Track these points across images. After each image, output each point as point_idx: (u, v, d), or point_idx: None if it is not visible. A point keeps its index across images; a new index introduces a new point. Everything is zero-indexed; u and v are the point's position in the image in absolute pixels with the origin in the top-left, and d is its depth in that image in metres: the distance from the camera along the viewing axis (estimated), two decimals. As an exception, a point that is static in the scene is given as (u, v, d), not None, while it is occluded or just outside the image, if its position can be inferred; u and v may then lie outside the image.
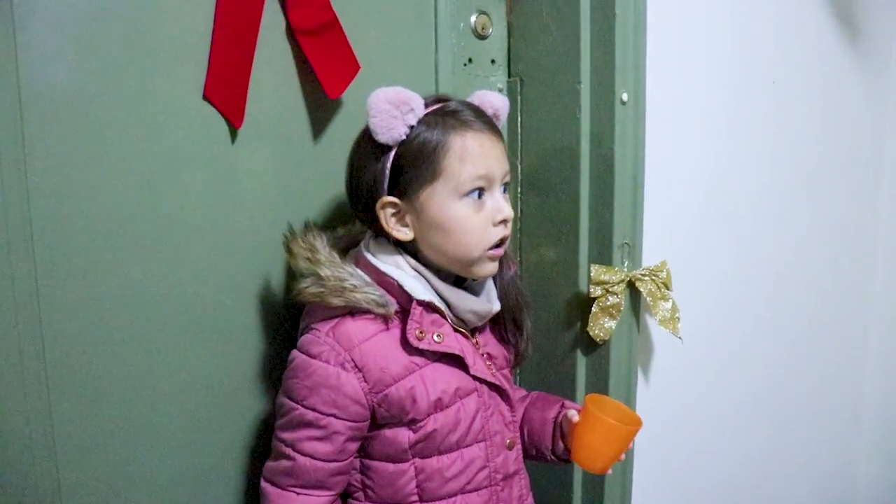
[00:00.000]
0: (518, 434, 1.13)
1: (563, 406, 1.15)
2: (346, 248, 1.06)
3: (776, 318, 1.66)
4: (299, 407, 0.98)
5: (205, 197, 1.04)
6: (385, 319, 0.99)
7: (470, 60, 1.29)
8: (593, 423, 1.03)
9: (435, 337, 1.00)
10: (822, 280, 1.75)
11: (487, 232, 0.99)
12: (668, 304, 1.28)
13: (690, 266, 1.39)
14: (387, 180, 0.98)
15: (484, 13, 1.29)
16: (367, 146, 0.99)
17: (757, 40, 1.48)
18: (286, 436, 0.99)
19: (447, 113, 0.99)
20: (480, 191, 0.98)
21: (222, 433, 1.11)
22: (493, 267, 1.03)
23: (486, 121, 1.00)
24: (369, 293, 0.98)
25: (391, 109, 0.95)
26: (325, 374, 0.97)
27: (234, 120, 1.03)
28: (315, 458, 0.98)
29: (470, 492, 1.04)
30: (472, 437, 1.04)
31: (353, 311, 0.98)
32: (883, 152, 1.81)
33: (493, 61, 1.31)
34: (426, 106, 0.99)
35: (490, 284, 1.08)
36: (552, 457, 1.15)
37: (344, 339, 0.97)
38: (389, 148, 0.98)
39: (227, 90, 1.01)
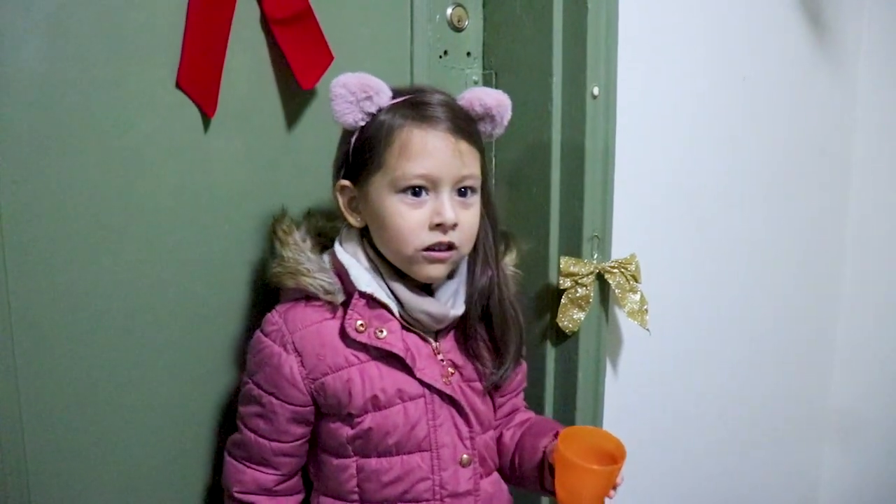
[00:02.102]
0: (476, 452, 1.05)
1: (556, 436, 1.05)
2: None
3: (744, 311, 1.68)
4: (249, 382, 1.02)
5: (177, 185, 1.04)
6: (333, 307, 1.00)
7: (445, 53, 1.30)
8: (566, 466, 0.97)
9: (377, 332, 0.98)
10: (790, 274, 1.77)
11: (421, 232, 0.96)
12: (637, 297, 1.30)
13: (659, 259, 1.41)
14: (344, 165, 1.01)
15: (460, 6, 1.30)
16: (343, 130, 1.01)
17: (727, 36, 1.50)
18: (239, 409, 1.04)
19: (409, 105, 0.98)
20: (418, 189, 0.96)
21: (199, 423, 1.12)
22: (434, 270, 0.99)
23: (449, 119, 0.97)
24: (319, 279, 0.99)
25: (346, 94, 0.96)
26: (270, 352, 0.99)
27: (206, 108, 1.03)
28: (258, 435, 1.01)
29: (409, 502, 1.01)
30: (414, 445, 1.01)
31: (308, 297, 1.00)
32: (851, 148, 1.84)
33: (468, 54, 1.32)
34: (400, 95, 0.99)
35: (459, 288, 1.05)
36: (541, 489, 1.08)
37: (291, 322, 0.99)
38: (351, 133, 1.00)
39: (200, 78, 1.02)
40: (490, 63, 1.32)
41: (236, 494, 1.03)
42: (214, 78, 1.03)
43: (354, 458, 1.01)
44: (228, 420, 1.13)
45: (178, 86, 1.00)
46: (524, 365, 1.15)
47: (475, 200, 1.01)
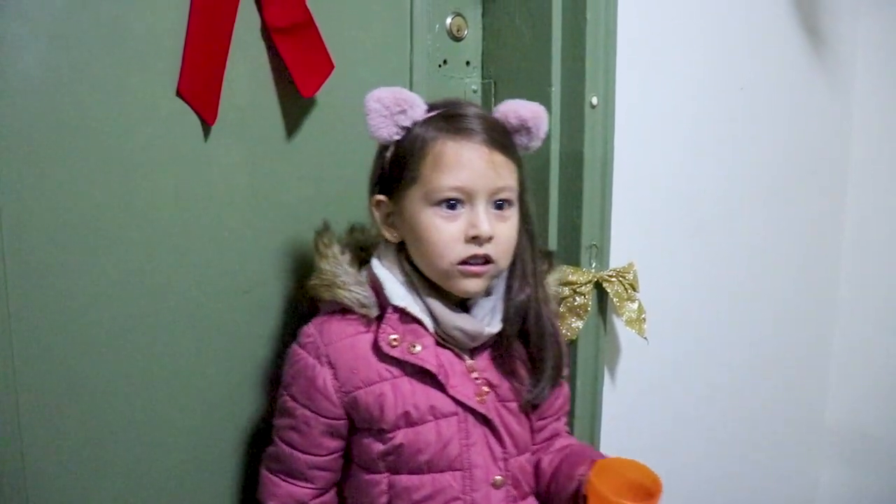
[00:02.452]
0: (509, 474, 1.03)
1: (592, 464, 1.01)
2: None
3: (742, 319, 1.69)
4: (284, 394, 1.02)
5: (177, 193, 1.04)
6: (367, 321, 0.99)
7: (445, 62, 1.30)
8: (599, 501, 0.93)
9: (410, 347, 0.97)
10: (788, 282, 1.78)
11: (456, 245, 0.96)
12: (635, 305, 1.31)
13: (658, 268, 1.41)
14: (379, 180, 1.01)
15: (459, 15, 1.30)
16: (378, 145, 1.01)
17: (725, 47, 1.51)
18: (275, 421, 1.04)
19: (443, 118, 0.98)
20: (453, 202, 0.95)
21: (196, 431, 1.11)
22: (470, 284, 0.97)
23: (484, 131, 0.96)
24: (355, 292, 0.99)
25: (381, 109, 0.96)
26: (304, 364, 1.00)
27: (207, 117, 1.03)
28: (293, 448, 1.01)
29: None
30: (446, 463, 0.99)
31: (343, 310, 1.00)
32: (848, 156, 1.85)
33: (468, 63, 1.33)
34: (434, 109, 0.99)
35: (496, 305, 1.03)
36: None
37: (325, 335, 0.99)
38: (386, 147, 1.00)
39: (200, 86, 1.02)
40: (489, 73, 1.33)
41: None
42: (215, 86, 1.03)
43: (386, 475, 1.00)
44: (234, 428, 1.13)
45: (179, 94, 1.01)
46: (566, 388, 1.13)
47: (512, 213, 0.99)
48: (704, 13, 1.45)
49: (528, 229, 1.04)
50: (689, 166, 1.49)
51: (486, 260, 0.97)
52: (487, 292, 1.03)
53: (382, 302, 0.99)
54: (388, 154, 1.00)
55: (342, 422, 1.00)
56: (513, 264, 1.02)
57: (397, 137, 0.98)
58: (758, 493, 1.84)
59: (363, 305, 0.99)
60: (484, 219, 0.95)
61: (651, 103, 1.38)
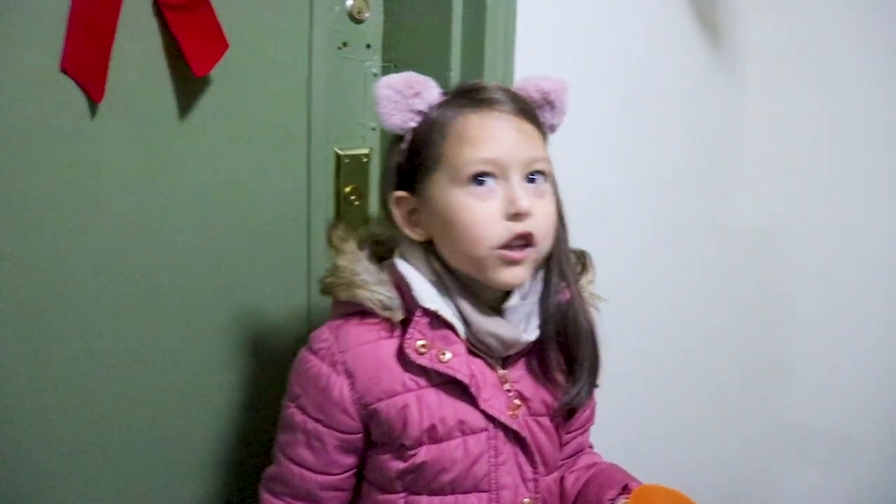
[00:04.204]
0: (539, 496, 0.95)
1: (624, 489, 0.96)
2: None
3: (639, 309, 1.73)
4: (291, 406, 0.93)
5: (62, 174, 1.00)
6: (391, 325, 0.90)
7: (345, 44, 1.29)
8: None
9: (440, 355, 0.88)
10: (680, 273, 1.84)
11: (495, 225, 0.86)
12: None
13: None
14: (397, 175, 0.93)
15: (361, -3, 1.29)
16: (389, 143, 0.95)
17: (626, 37, 1.55)
18: (279, 438, 0.95)
19: (461, 94, 0.91)
20: (484, 177, 0.86)
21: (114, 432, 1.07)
22: (511, 274, 0.88)
23: (507, 101, 0.89)
24: (377, 292, 0.89)
25: (392, 94, 0.89)
26: (318, 372, 0.91)
27: (93, 94, 1.00)
28: (303, 467, 0.92)
29: None
30: (472, 484, 0.91)
31: (364, 312, 0.90)
32: (741, 146, 1.92)
33: (368, 46, 1.32)
34: (448, 93, 0.93)
35: (532, 310, 0.94)
36: None
37: (343, 340, 0.90)
38: (401, 139, 0.92)
39: (86, 62, 0.98)
40: (390, 56, 1.32)
41: None
42: (102, 62, 0.99)
43: (403, 495, 0.92)
44: (166, 430, 1.10)
45: (63, 69, 0.97)
46: (594, 400, 1.06)
47: (548, 188, 0.91)
48: (604, 2, 1.49)
49: (561, 216, 0.95)
50: (588, 156, 1.52)
51: (527, 242, 0.87)
52: (523, 297, 0.94)
53: (408, 304, 0.90)
54: (404, 145, 0.92)
55: (359, 436, 0.91)
56: (548, 260, 0.94)
57: (413, 124, 0.90)
58: (723, 493, 1.89)
59: (386, 308, 0.89)
60: (521, 194, 0.86)
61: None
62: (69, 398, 1.04)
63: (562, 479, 1.03)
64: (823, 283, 1.82)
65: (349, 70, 1.28)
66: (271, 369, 1.19)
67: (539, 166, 0.89)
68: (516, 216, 0.86)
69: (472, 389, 0.89)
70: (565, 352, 0.95)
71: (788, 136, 1.84)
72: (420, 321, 0.89)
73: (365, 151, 1.31)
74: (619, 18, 1.52)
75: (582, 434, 1.07)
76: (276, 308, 1.22)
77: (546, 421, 0.96)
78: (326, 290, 0.94)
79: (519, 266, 0.88)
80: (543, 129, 0.93)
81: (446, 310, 0.89)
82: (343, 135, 1.29)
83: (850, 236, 1.78)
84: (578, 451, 1.06)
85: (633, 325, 1.63)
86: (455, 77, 1.24)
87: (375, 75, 1.32)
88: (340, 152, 1.28)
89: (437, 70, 1.25)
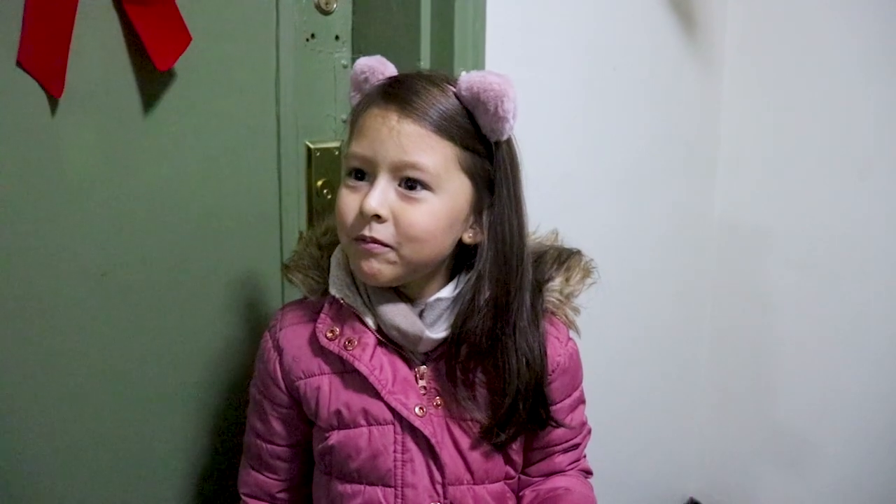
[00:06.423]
0: (447, 503, 0.91)
1: None
2: None
3: (626, 300, 1.73)
4: (253, 379, 1.01)
5: (21, 171, 0.97)
6: (319, 308, 0.94)
7: (313, 36, 1.27)
8: None
9: (346, 343, 0.90)
10: (661, 261, 1.84)
11: (352, 218, 0.85)
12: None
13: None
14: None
15: (328, -12, 1.27)
16: None
17: (597, 26, 1.54)
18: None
19: (382, 84, 0.89)
20: (360, 173, 0.86)
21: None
22: (367, 265, 0.85)
23: (405, 98, 0.84)
24: (310, 276, 0.95)
25: (354, 77, 0.92)
26: (264, 347, 0.98)
27: (52, 89, 0.97)
28: (255, 436, 0.99)
29: None
30: (375, 476, 0.90)
31: (309, 294, 0.97)
32: (717, 137, 1.92)
33: (336, 37, 1.30)
34: None
35: (449, 309, 0.90)
36: None
37: (282, 318, 0.97)
38: None
39: (44, 56, 0.95)
40: (359, 47, 1.31)
41: (242, 496, 1.02)
42: (60, 56, 0.97)
43: (327, 477, 0.96)
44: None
45: (19, 64, 0.94)
46: (580, 411, 1.01)
47: (426, 197, 0.84)
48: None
49: (499, 232, 0.90)
50: (559, 145, 1.51)
51: (374, 241, 0.84)
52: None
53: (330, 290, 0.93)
54: None
55: (293, 411, 0.96)
56: (471, 267, 0.90)
57: None
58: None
59: (313, 291, 0.95)
60: (374, 194, 0.83)
61: (521, 81, 1.38)
62: (24, 401, 1.02)
63: (523, 496, 0.99)
64: (803, 275, 1.82)
65: (318, 62, 1.27)
66: (245, 364, 1.17)
67: (412, 174, 0.83)
68: (360, 215, 0.84)
69: (372, 380, 0.89)
70: (487, 367, 0.91)
71: (763, 128, 1.84)
72: (330, 307, 0.93)
73: (336, 144, 1.29)
74: (591, 7, 1.51)
75: (561, 453, 1.00)
76: (250, 303, 1.21)
77: (476, 428, 0.92)
78: (283, 272, 0.99)
79: (373, 259, 0.85)
80: (449, 133, 0.85)
81: (355, 299, 0.91)
82: (313, 128, 1.27)
83: (824, 228, 1.78)
84: (554, 472, 1.00)
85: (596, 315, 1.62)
86: (425, 67, 1.22)
87: (345, 67, 1.30)
88: (311, 146, 1.27)
89: (407, 60, 1.24)
